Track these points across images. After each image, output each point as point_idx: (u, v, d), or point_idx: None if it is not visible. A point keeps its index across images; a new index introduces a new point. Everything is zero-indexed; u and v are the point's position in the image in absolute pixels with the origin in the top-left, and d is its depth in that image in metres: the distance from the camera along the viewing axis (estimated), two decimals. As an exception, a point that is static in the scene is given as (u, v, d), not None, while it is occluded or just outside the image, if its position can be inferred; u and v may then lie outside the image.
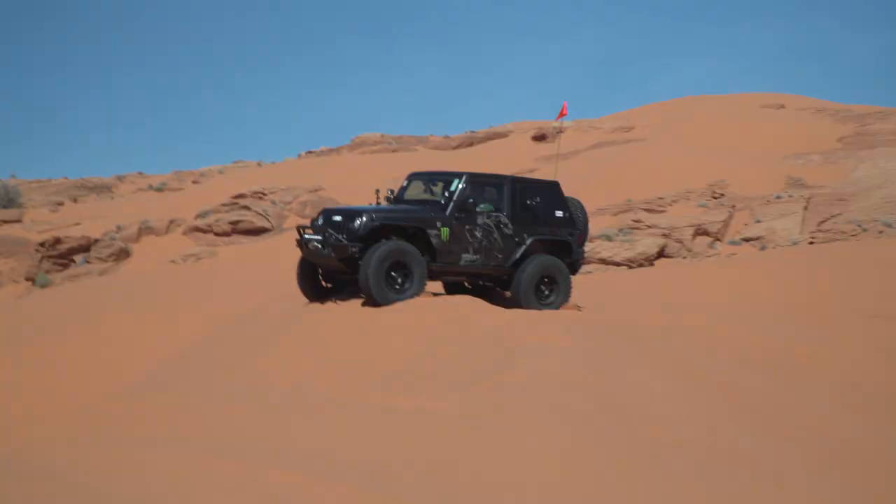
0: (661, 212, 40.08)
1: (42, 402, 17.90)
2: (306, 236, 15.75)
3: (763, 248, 35.29)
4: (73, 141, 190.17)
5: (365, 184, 45.25)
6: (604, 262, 33.83)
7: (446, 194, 15.80)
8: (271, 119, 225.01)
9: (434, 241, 15.47)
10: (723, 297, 20.83)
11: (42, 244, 39.77)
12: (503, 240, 16.06)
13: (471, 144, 66.93)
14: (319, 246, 15.33)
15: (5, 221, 44.87)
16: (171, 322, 22.03)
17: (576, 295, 18.20)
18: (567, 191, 17.42)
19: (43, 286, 37.24)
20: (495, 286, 16.78)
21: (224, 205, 45.16)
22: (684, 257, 35.10)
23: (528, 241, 16.23)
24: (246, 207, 44.40)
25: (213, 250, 40.52)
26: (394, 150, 65.40)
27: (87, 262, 39.80)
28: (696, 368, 12.06)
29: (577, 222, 16.88)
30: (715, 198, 41.47)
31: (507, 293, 16.49)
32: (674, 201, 41.18)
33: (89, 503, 5.94)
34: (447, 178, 16.17)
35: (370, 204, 16.75)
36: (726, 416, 10.02)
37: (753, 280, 22.79)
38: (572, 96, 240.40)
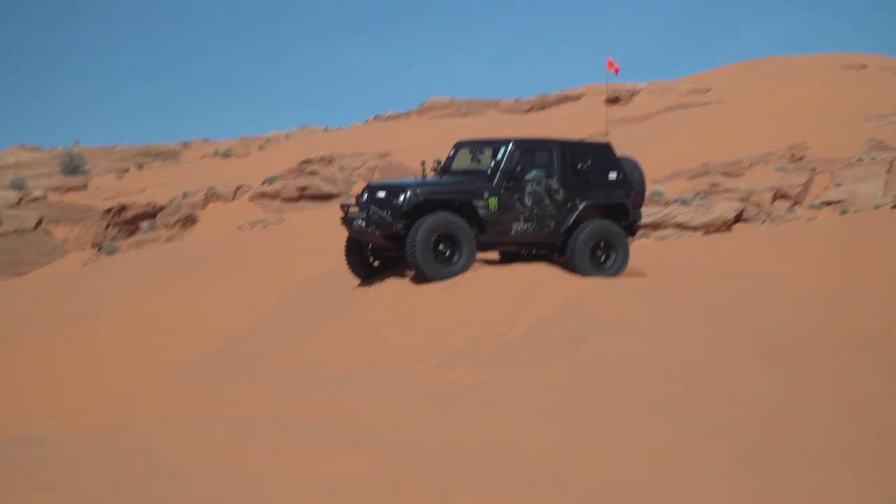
0: (739, 175, 39.49)
1: (121, 381, 17.62)
2: (350, 214, 15.36)
3: (844, 213, 34.52)
4: (137, 107, 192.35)
5: (434, 149, 44.82)
6: (680, 226, 33.33)
7: (493, 163, 15.24)
8: (338, 83, 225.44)
9: (482, 212, 14.99)
10: (803, 264, 20.15)
11: (108, 211, 40.02)
12: (554, 206, 15.52)
13: (542, 108, 66.29)
14: (364, 224, 14.91)
15: (71, 189, 45.12)
16: (238, 292, 21.80)
17: (650, 260, 17.55)
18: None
19: (109, 253, 37.36)
20: (550, 253, 16.24)
21: (291, 170, 45.01)
22: (763, 222, 34.41)
23: (581, 207, 15.69)
24: (313, 173, 44.18)
25: (280, 216, 40.51)
26: (463, 115, 64.88)
27: (153, 229, 39.92)
28: (779, 344, 11.56)
29: (632, 183, 16.26)
30: (794, 160, 40.79)
31: (563, 259, 15.97)
32: (752, 164, 40.58)
33: (189, 483, 5.80)
34: (494, 145, 15.61)
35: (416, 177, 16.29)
36: (809, 396, 9.43)
37: (835, 246, 21.97)
38: (648, 57, 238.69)
